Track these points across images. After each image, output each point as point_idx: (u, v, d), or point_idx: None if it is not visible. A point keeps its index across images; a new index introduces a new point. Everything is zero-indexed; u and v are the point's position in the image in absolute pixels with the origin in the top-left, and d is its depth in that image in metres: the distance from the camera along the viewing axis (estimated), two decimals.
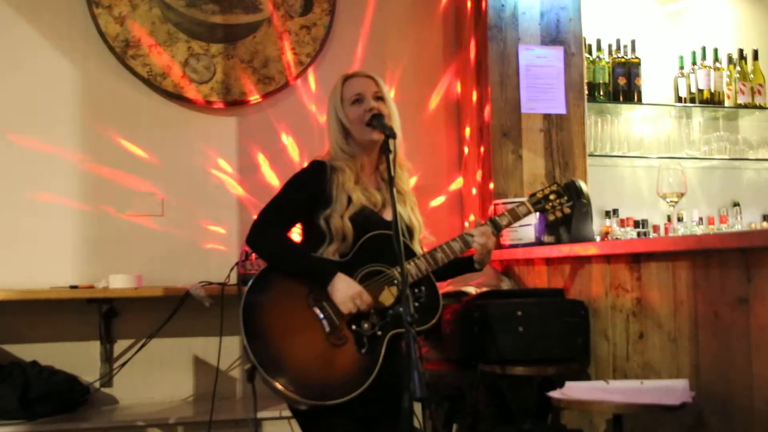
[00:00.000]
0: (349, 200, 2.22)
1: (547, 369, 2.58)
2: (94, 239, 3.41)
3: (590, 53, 3.98)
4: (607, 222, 3.95)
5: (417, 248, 2.33)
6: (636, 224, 3.95)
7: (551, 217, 2.48)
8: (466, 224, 3.74)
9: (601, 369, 2.69)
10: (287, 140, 3.63)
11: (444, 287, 3.13)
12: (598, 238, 3.56)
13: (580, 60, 3.61)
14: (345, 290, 2.12)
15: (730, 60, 4.27)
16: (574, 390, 2.18)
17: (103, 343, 3.33)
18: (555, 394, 2.16)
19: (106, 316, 3.33)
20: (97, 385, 3.31)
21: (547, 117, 3.53)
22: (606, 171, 4.06)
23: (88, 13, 3.43)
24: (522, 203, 2.41)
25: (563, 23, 3.58)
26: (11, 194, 3.36)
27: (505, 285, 3.27)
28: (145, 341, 3.28)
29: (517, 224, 3.12)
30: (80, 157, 3.44)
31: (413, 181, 3.44)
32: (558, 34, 3.57)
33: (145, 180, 3.48)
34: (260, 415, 3.04)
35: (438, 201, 3.79)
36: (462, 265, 2.39)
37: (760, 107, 4.24)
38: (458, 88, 3.85)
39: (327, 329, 2.13)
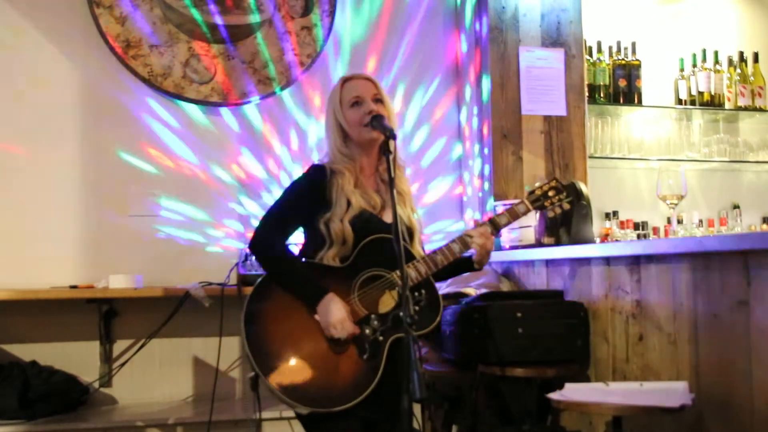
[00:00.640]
0: (349, 203, 2.22)
1: (547, 371, 2.58)
2: (94, 239, 3.41)
3: (591, 55, 3.98)
4: (607, 224, 3.95)
5: (417, 249, 2.33)
6: (636, 226, 3.95)
7: (551, 214, 2.44)
8: (462, 224, 3.74)
9: (601, 371, 2.69)
10: (288, 141, 3.63)
11: (444, 288, 3.14)
12: (597, 240, 3.56)
13: (580, 62, 3.61)
14: (327, 317, 2.11)
15: (730, 62, 4.27)
16: (573, 392, 2.18)
17: (103, 343, 3.32)
18: (554, 395, 2.16)
19: (105, 316, 3.33)
20: (96, 385, 3.31)
21: (547, 119, 3.53)
22: (606, 173, 4.06)
23: (89, 13, 3.43)
24: (521, 201, 2.40)
25: (564, 25, 3.59)
26: (11, 194, 3.36)
27: (505, 286, 3.27)
28: (145, 341, 3.28)
29: (517, 225, 3.14)
30: (81, 157, 3.44)
31: (414, 187, 3.44)
32: (558, 36, 3.58)
33: (146, 180, 3.48)
34: (260, 415, 3.04)
35: (438, 201, 3.79)
36: (461, 264, 2.39)
37: (761, 110, 4.24)
38: (458, 89, 3.85)
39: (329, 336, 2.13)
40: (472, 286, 3.16)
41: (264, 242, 2.23)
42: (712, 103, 4.19)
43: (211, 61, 3.55)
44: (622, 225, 3.91)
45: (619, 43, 4.07)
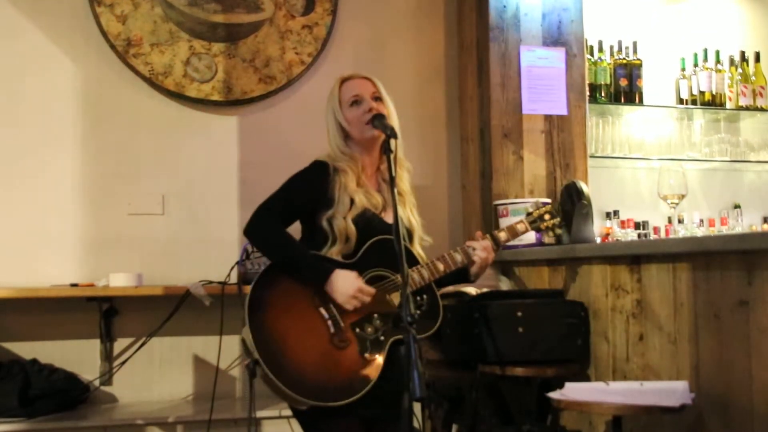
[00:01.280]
0: (352, 202, 2.22)
1: (547, 370, 2.58)
2: (94, 238, 3.42)
3: (592, 54, 3.98)
4: (608, 223, 3.95)
5: (417, 250, 2.33)
6: (636, 226, 3.95)
7: (545, 238, 2.66)
8: (457, 223, 3.74)
9: (601, 370, 2.69)
10: (288, 140, 3.62)
11: (444, 287, 3.14)
12: (598, 240, 3.56)
13: (581, 61, 3.61)
14: (345, 288, 2.12)
15: (731, 62, 4.27)
16: (573, 391, 2.18)
17: (103, 341, 3.33)
18: (554, 395, 2.16)
19: (106, 315, 3.33)
20: (96, 383, 3.31)
21: (548, 118, 3.53)
22: (607, 172, 4.06)
23: (90, 12, 3.43)
24: (520, 221, 2.48)
25: (565, 24, 3.58)
26: (12, 192, 3.36)
27: (504, 285, 3.27)
28: (145, 340, 3.28)
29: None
30: (81, 156, 3.44)
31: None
32: (560, 36, 3.57)
33: (146, 179, 3.48)
34: (259, 414, 3.04)
35: (438, 201, 3.79)
36: (457, 275, 2.39)
37: (762, 109, 4.24)
38: (459, 88, 3.85)
39: (332, 330, 2.13)
40: (473, 286, 3.16)
41: (263, 225, 2.22)
42: (714, 102, 4.18)
43: (212, 60, 3.54)
44: (623, 224, 3.91)
45: (620, 43, 4.06)
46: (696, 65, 4.19)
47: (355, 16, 3.75)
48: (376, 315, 2.17)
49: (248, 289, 3.01)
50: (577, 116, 3.56)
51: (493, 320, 2.61)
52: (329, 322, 2.14)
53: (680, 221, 3.95)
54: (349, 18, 3.74)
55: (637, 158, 4.07)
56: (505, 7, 3.51)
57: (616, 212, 3.96)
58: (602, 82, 3.98)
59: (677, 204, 2.96)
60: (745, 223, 4.23)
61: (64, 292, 3.17)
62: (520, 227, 2.45)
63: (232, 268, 3.22)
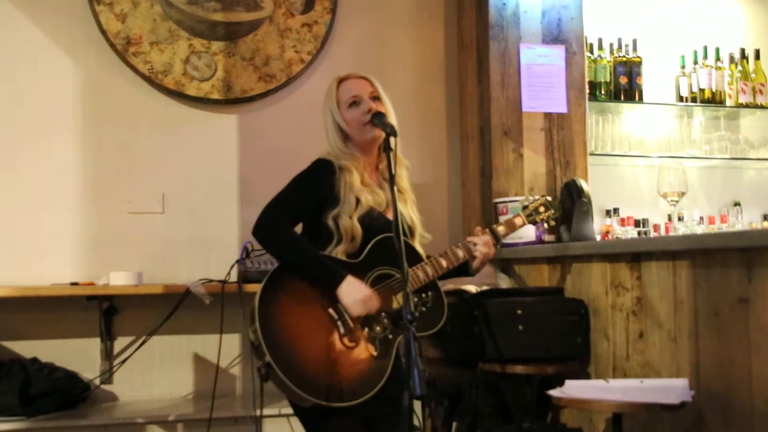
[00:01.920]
0: (357, 201, 2.22)
1: (547, 368, 2.58)
2: (94, 236, 3.42)
3: (592, 52, 3.98)
4: (608, 221, 3.95)
5: (417, 247, 2.34)
6: (636, 223, 3.95)
7: (540, 229, 2.77)
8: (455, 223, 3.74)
9: (601, 368, 2.69)
10: (288, 138, 3.62)
11: (444, 285, 3.14)
12: (598, 237, 3.56)
13: (581, 59, 3.60)
14: (354, 294, 2.12)
15: (731, 59, 4.27)
16: (573, 389, 2.18)
17: (104, 340, 3.33)
18: (555, 392, 2.16)
19: (106, 314, 3.33)
20: (97, 382, 3.31)
21: (548, 116, 3.53)
22: (607, 170, 4.06)
23: (90, 11, 3.43)
24: (518, 215, 2.53)
25: (565, 22, 3.58)
26: (11, 191, 3.36)
27: (504, 283, 3.27)
28: (146, 338, 3.28)
29: None
30: (81, 154, 3.44)
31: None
32: (559, 33, 3.57)
33: (146, 177, 3.48)
34: (260, 412, 3.04)
35: (438, 199, 3.79)
36: (457, 269, 2.39)
37: (762, 107, 4.23)
38: (459, 86, 3.85)
39: (341, 330, 2.13)
40: (472, 284, 3.16)
41: (271, 224, 2.21)
42: (713, 100, 4.17)
43: (212, 58, 3.54)
44: (623, 222, 3.91)
45: (620, 40, 4.06)
46: (696, 63, 4.19)
47: (354, 14, 3.75)
48: (383, 314, 2.17)
49: (248, 287, 3.04)
50: (577, 114, 3.56)
51: (493, 318, 2.61)
52: (338, 323, 2.14)
53: (680, 219, 3.95)
54: (349, 16, 3.74)
55: (637, 156, 4.06)
56: (504, 4, 3.51)
57: (616, 210, 3.95)
58: (602, 80, 3.97)
59: (677, 201, 2.96)
60: (745, 221, 4.23)
61: (64, 290, 3.17)
62: (518, 221, 2.51)
63: (232, 267, 3.22)
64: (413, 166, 2.50)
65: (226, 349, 3.26)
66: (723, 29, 4.35)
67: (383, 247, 2.19)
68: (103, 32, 3.43)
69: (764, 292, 1.94)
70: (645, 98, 4.06)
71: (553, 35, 3.56)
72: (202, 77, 3.53)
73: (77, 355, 3.30)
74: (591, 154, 3.66)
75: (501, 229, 2.45)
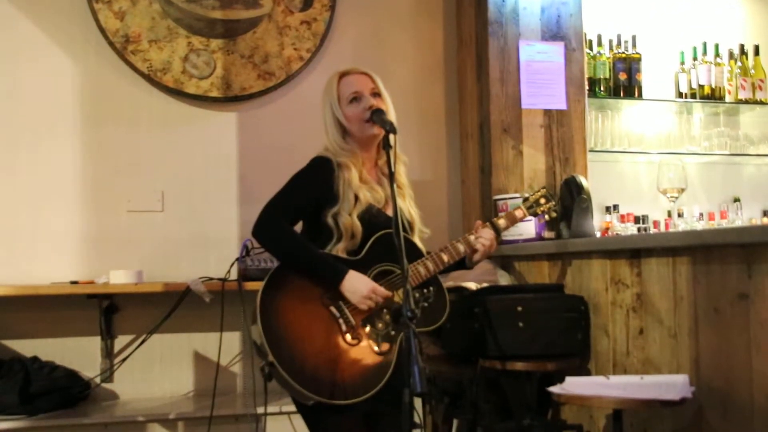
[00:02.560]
0: (356, 198, 2.22)
1: (547, 364, 2.58)
2: (94, 235, 3.42)
3: (591, 49, 3.97)
4: (608, 217, 3.95)
5: (417, 242, 2.34)
6: (636, 220, 3.95)
7: (541, 221, 2.77)
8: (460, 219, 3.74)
9: (601, 364, 2.70)
10: (288, 136, 3.62)
11: (444, 282, 3.14)
12: (598, 234, 3.56)
13: (580, 55, 3.60)
14: (359, 289, 2.13)
15: (731, 55, 4.26)
16: (574, 385, 2.18)
17: (104, 338, 3.33)
18: (555, 389, 2.16)
19: (106, 312, 3.33)
20: (97, 380, 3.31)
21: (547, 113, 3.53)
22: (606, 166, 4.06)
23: (88, 9, 3.43)
24: (518, 208, 2.54)
25: (564, 18, 3.58)
26: (11, 189, 3.36)
27: (504, 280, 3.27)
28: (146, 337, 3.28)
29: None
30: (80, 153, 3.44)
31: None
32: (559, 30, 3.57)
33: (146, 175, 3.48)
34: (260, 410, 3.04)
35: (437, 196, 3.79)
36: (457, 263, 2.40)
37: (761, 103, 4.24)
38: (458, 83, 3.85)
39: (343, 328, 2.13)
40: (473, 280, 3.16)
41: (271, 224, 2.20)
42: (713, 96, 4.17)
43: (211, 56, 3.54)
44: (623, 218, 3.91)
45: (619, 37, 4.06)
46: (695, 59, 4.19)
47: (353, 12, 3.75)
48: (385, 310, 2.17)
49: (248, 285, 3.05)
50: (577, 111, 3.56)
51: (493, 315, 2.61)
52: (340, 320, 2.14)
53: (680, 215, 3.95)
54: (348, 13, 3.74)
55: (636, 152, 4.06)
56: (503, 1, 3.51)
57: (615, 206, 3.95)
58: (601, 77, 3.97)
59: (677, 198, 2.96)
60: (745, 217, 4.23)
61: (64, 289, 3.17)
62: (519, 213, 2.51)
63: (232, 265, 3.22)
64: (412, 163, 2.51)
65: (227, 347, 3.26)
66: (722, 25, 4.35)
67: (383, 243, 2.19)
68: (102, 30, 3.43)
69: (764, 288, 1.94)
70: (644, 94, 4.06)
71: (553, 32, 3.56)
72: (201, 75, 3.53)
73: (77, 353, 3.30)
74: (590, 151, 3.66)
75: (502, 222, 2.46)
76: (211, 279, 3.19)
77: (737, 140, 4.21)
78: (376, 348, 2.13)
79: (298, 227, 2.32)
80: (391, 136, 2.13)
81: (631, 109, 4.12)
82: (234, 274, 3.20)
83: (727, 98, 4.21)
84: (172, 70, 3.49)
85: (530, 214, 2.55)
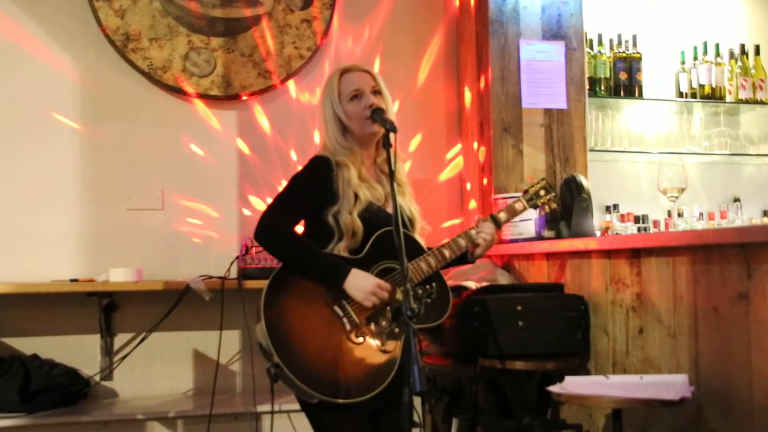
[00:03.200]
0: (356, 197, 2.22)
1: (547, 364, 2.58)
2: (94, 233, 3.41)
3: (591, 48, 3.98)
4: (608, 217, 3.95)
5: (418, 238, 2.34)
6: (636, 219, 3.95)
7: (542, 212, 2.69)
8: (460, 219, 3.74)
9: (601, 364, 2.70)
10: (288, 134, 3.62)
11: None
12: (598, 233, 3.56)
13: (581, 55, 3.60)
14: (363, 286, 2.13)
15: (731, 55, 4.27)
16: (573, 385, 2.18)
17: (104, 336, 3.33)
18: (555, 388, 2.16)
19: (106, 310, 3.33)
20: (97, 378, 3.31)
21: (547, 112, 3.53)
22: (606, 166, 4.06)
23: (89, 7, 3.43)
24: (518, 199, 2.51)
25: (564, 18, 3.58)
26: (12, 187, 3.36)
27: (504, 279, 3.27)
28: (145, 335, 3.28)
29: (517, 219, 3.14)
30: (80, 151, 3.43)
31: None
32: (559, 29, 3.57)
33: (146, 174, 3.48)
34: (260, 408, 3.05)
35: (437, 196, 3.78)
36: (459, 258, 2.39)
37: (761, 102, 4.24)
38: (458, 82, 3.84)
39: (347, 327, 2.13)
40: (473, 280, 3.16)
41: (273, 228, 2.20)
42: (713, 96, 4.18)
43: (211, 55, 3.54)
44: (623, 218, 3.91)
45: (619, 36, 4.06)
46: (696, 58, 4.19)
47: (353, 10, 3.74)
48: (388, 308, 2.17)
49: (248, 284, 3.05)
50: (577, 110, 3.56)
51: (493, 314, 2.61)
52: (344, 319, 2.14)
53: (680, 215, 3.95)
54: (348, 12, 3.74)
55: (636, 152, 4.07)
56: (504, 0, 3.51)
57: (615, 206, 3.96)
58: (602, 76, 3.97)
59: (677, 197, 2.96)
60: (745, 217, 4.24)
61: (64, 287, 3.17)
62: (519, 206, 2.49)
63: (231, 263, 3.22)
64: (413, 162, 2.51)
65: (226, 345, 3.26)
66: (723, 25, 4.35)
67: (385, 241, 2.19)
68: (102, 28, 3.43)
69: (763, 288, 1.94)
70: (645, 94, 4.06)
71: (553, 31, 3.56)
72: (201, 73, 3.52)
73: (77, 351, 3.30)
74: (591, 150, 3.67)
75: (502, 215, 2.45)
76: (210, 277, 3.19)
77: (737, 140, 4.22)
78: (381, 346, 2.14)
79: (299, 227, 2.32)
80: (392, 135, 2.13)
81: (632, 108, 4.12)
82: (234, 273, 3.20)
83: (728, 98, 4.21)
84: (173, 68, 3.49)
85: (530, 206, 2.51)
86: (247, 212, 3.54)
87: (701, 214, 4.09)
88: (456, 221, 3.78)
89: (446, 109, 3.84)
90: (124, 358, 3.31)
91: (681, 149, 4.12)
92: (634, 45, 4.04)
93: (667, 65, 4.23)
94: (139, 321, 3.32)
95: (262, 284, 2.15)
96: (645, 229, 3.94)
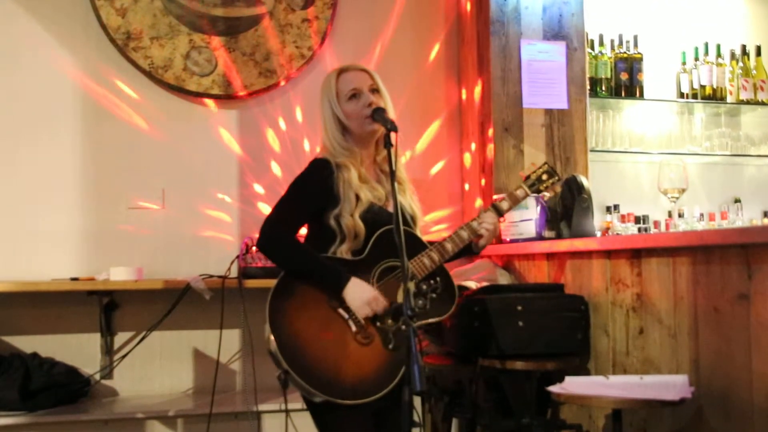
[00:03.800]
0: (357, 198, 2.21)
1: (547, 364, 2.58)
2: (94, 232, 3.42)
3: (592, 48, 3.97)
4: (608, 217, 3.95)
5: (419, 235, 2.34)
6: (637, 220, 3.95)
7: (544, 198, 2.69)
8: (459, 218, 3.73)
9: (601, 364, 2.70)
10: (288, 134, 3.62)
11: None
12: (598, 234, 3.56)
13: (582, 55, 3.60)
14: (359, 297, 2.13)
15: (732, 56, 4.26)
16: (573, 385, 2.18)
17: (104, 335, 3.33)
18: (555, 388, 2.16)
19: (106, 309, 3.33)
20: (97, 377, 3.31)
21: (548, 112, 3.53)
22: (607, 166, 4.06)
23: (90, 5, 3.43)
24: (519, 187, 2.47)
25: (565, 18, 3.58)
26: (12, 186, 3.36)
27: (504, 279, 3.27)
28: (146, 334, 3.28)
29: (518, 219, 3.14)
30: (81, 150, 3.44)
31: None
32: (560, 29, 3.57)
33: (146, 173, 3.48)
34: (261, 408, 3.05)
35: (438, 195, 3.78)
36: (463, 249, 2.39)
37: (762, 103, 4.23)
38: (459, 81, 3.84)
39: (354, 329, 2.14)
40: (473, 280, 3.16)
41: (275, 238, 2.20)
42: (714, 96, 4.17)
43: (212, 54, 3.54)
44: (623, 218, 3.91)
45: (621, 37, 4.05)
46: (697, 59, 4.18)
47: (354, 10, 3.74)
48: (393, 306, 2.17)
49: (248, 283, 3.05)
50: (578, 110, 3.56)
51: (493, 314, 2.61)
52: (349, 321, 2.14)
53: (680, 215, 3.95)
54: (349, 11, 3.74)
55: (637, 152, 4.06)
56: (505, 0, 3.50)
57: (616, 206, 3.95)
58: (603, 76, 3.97)
59: (677, 198, 2.96)
60: (746, 217, 4.23)
61: (65, 286, 3.17)
62: (520, 193, 2.45)
63: (232, 262, 3.22)
64: (413, 161, 2.50)
65: (226, 344, 3.26)
66: (724, 25, 4.35)
67: (386, 239, 2.18)
68: (104, 27, 3.43)
69: (764, 289, 1.94)
70: (646, 94, 4.06)
71: (554, 31, 3.56)
72: (202, 72, 3.52)
73: (77, 350, 3.31)
74: (591, 151, 3.66)
75: (504, 203, 2.41)
76: (211, 276, 3.20)
77: (738, 141, 4.21)
78: (388, 345, 2.14)
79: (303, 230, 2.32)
80: (392, 135, 2.13)
81: (633, 109, 4.12)
82: (234, 272, 3.20)
83: (729, 99, 4.21)
84: (174, 67, 3.49)
85: (533, 192, 2.47)
86: (247, 212, 3.54)
87: (702, 214, 4.09)
88: (455, 221, 3.78)
89: (447, 109, 3.84)
90: (124, 356, 3.32)
91: (682, 150, 4.12)
92: (635, 45, 4.04)
93: (668, 66, 4.23)
94: (139, 320, 3.33)
95: (263, 283, 2.16)
96: (645, 229, 3.94)
